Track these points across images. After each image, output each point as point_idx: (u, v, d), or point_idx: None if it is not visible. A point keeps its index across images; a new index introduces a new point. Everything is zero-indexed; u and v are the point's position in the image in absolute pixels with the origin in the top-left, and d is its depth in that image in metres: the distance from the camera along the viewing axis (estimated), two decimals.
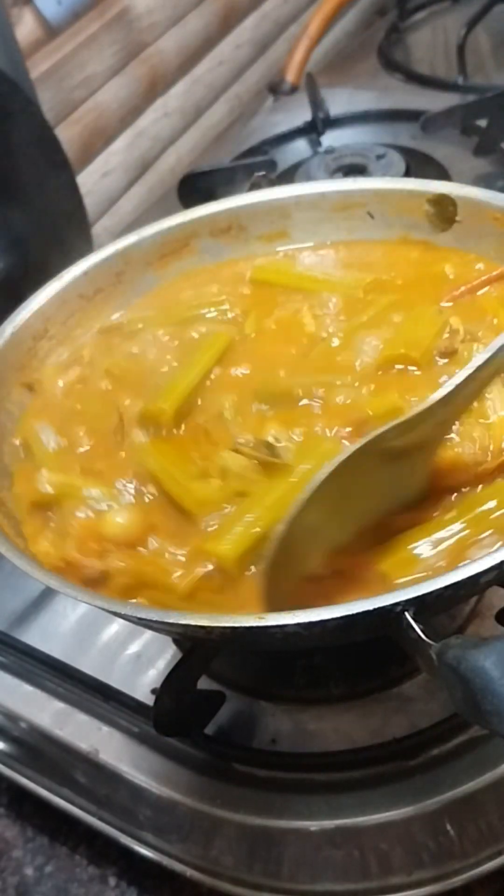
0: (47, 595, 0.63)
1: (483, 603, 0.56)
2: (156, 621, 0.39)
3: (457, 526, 0.44)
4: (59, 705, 0.57)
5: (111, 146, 1.03)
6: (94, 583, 0.45)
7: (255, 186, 0.66)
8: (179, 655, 0.49)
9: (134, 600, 0.45)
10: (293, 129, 1.02)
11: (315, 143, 1.00)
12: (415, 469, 0.45)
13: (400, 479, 0.45)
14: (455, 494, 0.46)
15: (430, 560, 0.43)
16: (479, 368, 0.43)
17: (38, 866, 0.55)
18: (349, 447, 0.41)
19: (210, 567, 0.45)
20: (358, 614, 0.36)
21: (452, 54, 1.07)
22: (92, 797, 0.53)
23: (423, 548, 0.43)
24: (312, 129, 1.01)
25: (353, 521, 0.44)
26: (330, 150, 0.94)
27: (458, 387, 0.42)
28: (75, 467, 0.52)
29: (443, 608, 0.50)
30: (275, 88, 1.20)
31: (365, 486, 0.43)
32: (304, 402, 0.52)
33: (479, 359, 0.43)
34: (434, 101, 0.98)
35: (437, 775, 0.49)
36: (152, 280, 0.64)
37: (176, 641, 0.58)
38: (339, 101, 1.05)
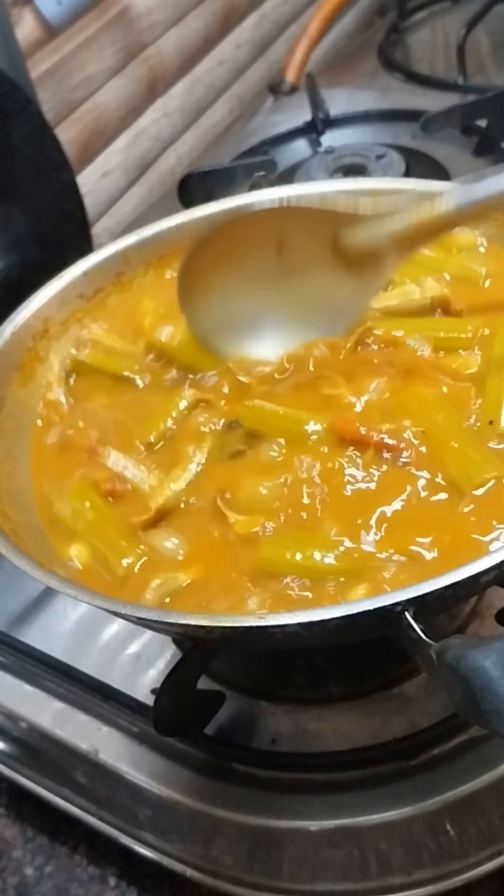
0: (47, 595, 0.63)
1: (483, 603, 0.56)
2: (156, 621, 0.39)
3: None
4: (59, 705, 0.57)
5: (111, 146, 1.03)
6: None
7: (255, 186, 0.66)
8: (179, 655, 0.49)
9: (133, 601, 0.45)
10: (293, 129, 1.02)
11: (315, 143, 1.00)
12: (354, 293, 0.48)
13: (335, 292, 0.47)
14: None
15: None
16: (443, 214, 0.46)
17: (38, 866, 0.55)
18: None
19: None
20: (358, 614, 0.36)
21: (452, 54, 1.07)
22: (92, 797, 0.53)
23: None
24: (312, 129, 1.01)
25: (276, 302, 0.47)
26: (330, 150, 0.94)
27: (421, 221, 0.45)
28: None
29: (443, 608, 0.50)
30: (275, 88, 1.20)
31: (303, 266, 0.45)
32: None
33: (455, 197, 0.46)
34: (434, 101, 0.98)
35: (437, 775, 0.49)
36: None
37: (176, 641, 0.58)
38: (338, 101, 1.04)
